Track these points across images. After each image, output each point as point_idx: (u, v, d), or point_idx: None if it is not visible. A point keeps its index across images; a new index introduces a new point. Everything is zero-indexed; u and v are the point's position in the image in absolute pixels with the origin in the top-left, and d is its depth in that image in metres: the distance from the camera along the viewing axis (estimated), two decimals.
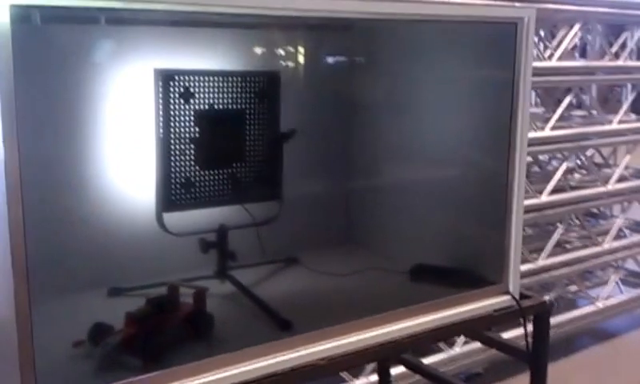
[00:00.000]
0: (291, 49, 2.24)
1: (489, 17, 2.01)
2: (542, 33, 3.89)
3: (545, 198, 3.58)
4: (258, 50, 2.18)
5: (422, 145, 2.30)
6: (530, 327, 2.13)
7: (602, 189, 3.86)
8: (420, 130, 2.29)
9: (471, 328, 2.12)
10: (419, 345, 2.26)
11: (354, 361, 1.86)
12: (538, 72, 3.42)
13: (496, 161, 2.10)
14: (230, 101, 2.03)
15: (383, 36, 2.30)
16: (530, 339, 2.12)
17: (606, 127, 3.78)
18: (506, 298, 2.10)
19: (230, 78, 2.03)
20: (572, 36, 3.56)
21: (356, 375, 3.15)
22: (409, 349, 2.44)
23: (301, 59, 2.28)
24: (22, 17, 1.33)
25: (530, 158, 4.32)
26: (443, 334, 2.12)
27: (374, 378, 3.01)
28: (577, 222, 4.32)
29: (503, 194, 2.08)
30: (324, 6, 1.71)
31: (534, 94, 4.82)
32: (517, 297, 2.10)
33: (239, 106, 2.06)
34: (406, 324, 1.92)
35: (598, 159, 4.69)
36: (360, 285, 2.15)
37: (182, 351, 1.69)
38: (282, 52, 2.24)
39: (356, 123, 2.45)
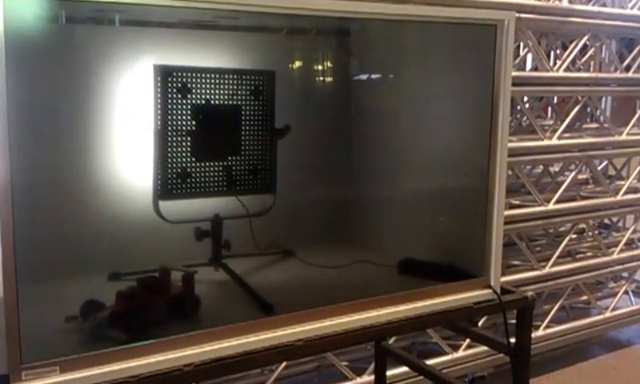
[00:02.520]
0: (286, 49, 2.31)
1: (468, 18, 2.02)
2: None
3: (552, 206, 3.61)
4: (254, 50, 2.26)
5: (408, 146, 2.35)
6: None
7: (610, 199, 3.87)
8: (406, 130, 2.35)
9: (452, 318, 2.17)
10: (400, 331, 2.33)
11: (331, 344, 1.95)
12: (543, 82, 3.50)
13: (478, 162, 2.16)
14: (226, 97, 2.10)
15: (369, 37, 2.36)
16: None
17: (616, 138, 3.80)
18: (488, 291, 2.16)
19: (227, 76, 2.09)
20: (579, 47, 3.60)
21: (359, 374, 3.22)
22: (389, 335, 2.50)
23: (295, 59, 2.35)
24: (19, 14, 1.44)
25: (540, 167, 4.37)
26: (424, 323, 2.17)
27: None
28: (589, 233, 4.34)
29: (485, 193, 2.15)
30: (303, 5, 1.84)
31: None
32: (498, 291, 2.16)
33: (235, 103, 2.12)
34: (388, 311, 2.01)
35: (612, 172, 4.70)
36: (346, 275, 2.21)
37: (167, 328, 1.81)
38: (277, 52, 2.31)
39: (349, 123, 2.51)
